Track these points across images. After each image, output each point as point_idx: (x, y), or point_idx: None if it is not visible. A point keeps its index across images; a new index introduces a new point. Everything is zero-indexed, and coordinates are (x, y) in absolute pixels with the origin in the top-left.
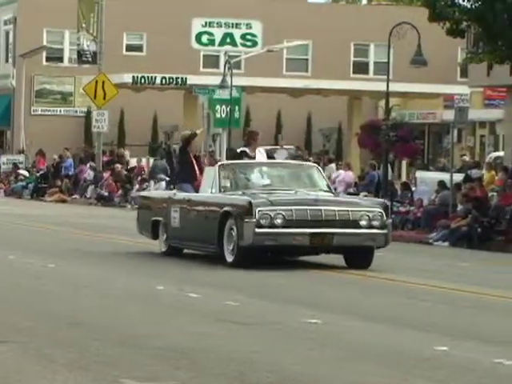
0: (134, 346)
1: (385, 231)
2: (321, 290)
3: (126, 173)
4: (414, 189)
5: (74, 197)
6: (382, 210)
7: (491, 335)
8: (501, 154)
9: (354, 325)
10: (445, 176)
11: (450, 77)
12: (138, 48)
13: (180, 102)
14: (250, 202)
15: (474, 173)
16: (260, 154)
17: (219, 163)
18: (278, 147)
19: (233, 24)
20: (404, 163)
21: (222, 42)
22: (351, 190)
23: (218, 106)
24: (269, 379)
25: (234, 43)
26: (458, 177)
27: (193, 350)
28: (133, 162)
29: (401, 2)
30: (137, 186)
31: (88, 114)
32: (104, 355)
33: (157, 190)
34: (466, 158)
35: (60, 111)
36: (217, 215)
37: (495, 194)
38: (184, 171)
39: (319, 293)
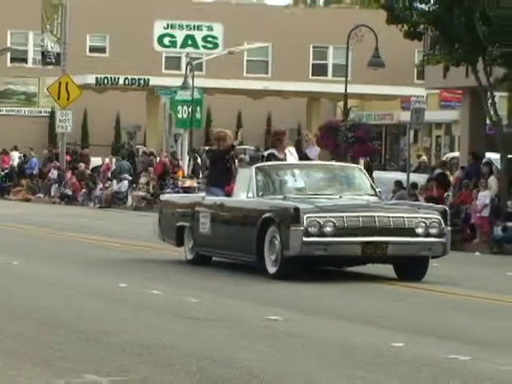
0: (97, 341)
1: (443, 240)
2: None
3: (89, 172)
4: None
5: (38, 195)
6: (439, 217)
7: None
8: (456, 154)
9: (323, 323)
10: (402, 175)
11: (406, 79)
12: (101, 49)
13: (142, 102)
14: (297, 208)
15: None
16: (290, 155)
17: (255, 165)
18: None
19: (194, 26)
20: (362, 163)
21: (184, 44)
22: None
23: (179, 107)
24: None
25: (195, 45)
26: (415, 177)
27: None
28: (96, 162)
29: (359, 5)
30: (100, 185)
31: (52, 114)
32: (67, 351)
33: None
34: (425, 159)
35: (24, 111)
36: (256, 222)
37: (450, 193)
38: (214, 173)
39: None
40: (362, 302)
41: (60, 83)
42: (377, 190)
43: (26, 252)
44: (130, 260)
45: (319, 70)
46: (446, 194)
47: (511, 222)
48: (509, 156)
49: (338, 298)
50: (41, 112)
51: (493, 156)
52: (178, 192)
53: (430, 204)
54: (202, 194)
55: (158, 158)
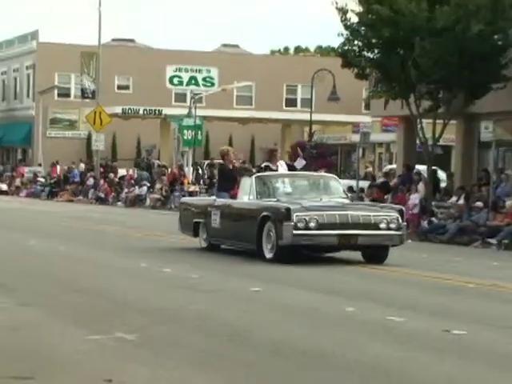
0: (124, 307)
1: (400, 232)
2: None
3: (117, 180)
4: None
5: (78, 197)
6: (398, 215)
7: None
8: (394, 166)
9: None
10: (353, 182)
11: (356, 109)
12: (126, 87)
13: (157, 127)
14: (289, 208)
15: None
16: (281, 166)
17: (255, 175)
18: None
19: (196, 70)
20: (322, 173)
21: (189, 83)
22: None
23: (185, 131)
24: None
25: (197, 84)
26: (362, 183)
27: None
28: (122, 172)
29: (320, 53)
30: (126, 190)
31: (89, 136)
32: (102, 314)
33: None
34: (370, 170)
35: (68, 134)
36: (256, 218)
37: (389, 195)
38: (222, 182)
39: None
40: (333, 278)
41: (95, 113)
42: (348, 194)
43: (70, 239)
44: (149, 246)
45: (290, 103)
46: (386, 197)
47: (434, 217)
48: (432, 167)
49: (316, 276)
50: (80, 135)
51: (421, 167)
52: (184, 195)
53: (391, 205)
54: (213, 197)
55: (169, 169)
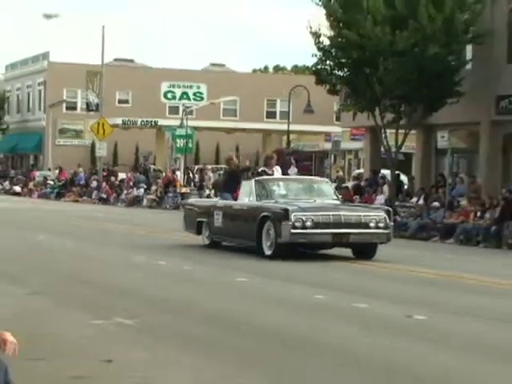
0: (122, 295)
1: (387, 231)
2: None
3: (117, 183)
4: None
5: (83, 198)
6: (385, 215)
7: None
8: (362, 170)
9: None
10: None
11: (328, 120)
12: (126, 101)
13: (153, 136)
14: (287, 209)
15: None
16: (276, 171)
17: (255, 179)
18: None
19: (188, 86)
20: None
21: (181, 98)
22: None
23: (178, 139)
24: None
25: (188, 98)
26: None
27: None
28: (122, 176)
29: (296, 71)
30: (125, 191)
31: (93, 144)
32: (104, 302)
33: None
34: (341, 174)
35: (74, 142)
36: (256, 218)
37: (357, 196)
38: (226, 184)
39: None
40: (320, 272)
41: (98, 123)
42: (339, 196)
43: (75, 235)
44: (152, 243)
45: (271, 115)
46: (355, 197)
47: (398, 216)
48: (396, 172)
49: (308, 271)
50: (85, 143)
51: (385, 172)
52: (176, 196)
53: (379, 206)
54: (216, 198)
55: (163, 173)
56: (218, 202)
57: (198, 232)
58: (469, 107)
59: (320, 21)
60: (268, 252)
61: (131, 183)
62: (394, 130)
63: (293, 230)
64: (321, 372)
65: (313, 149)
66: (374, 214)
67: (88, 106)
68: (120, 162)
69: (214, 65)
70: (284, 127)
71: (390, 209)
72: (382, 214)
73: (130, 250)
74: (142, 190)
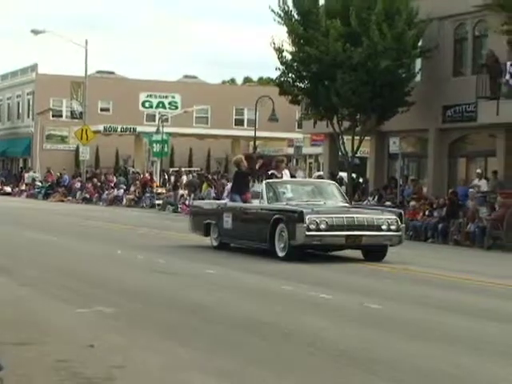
0: (103, 287)
1: (399, 233)
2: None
3: (99, 184)
4: None
5: (68, 198)
6: (397, 217)
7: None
8: (321, 173)
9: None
10: None
11: (291, 127)
12: (107, 110)
13: (132, 142)
14: (302, 211)
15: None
16: (285, 175)
17: (265, 181)
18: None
19: (163, 96)
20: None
21: (157, 106)
22: None
23: (154, 144)
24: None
25: (164, 107)
26: None
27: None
28: (103, 178)
29: (262, 83)
30: (106, 192)
31: (77, 149)
32: (87, 293)
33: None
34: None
35: (60, 147)
36: (269, 220)
37: None
38: (235, 185)
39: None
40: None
41: (82, 130)
42: (347, 198)
43: (61, 232)
44: (122, 235)
45: (239, 122)
46: None
47: None
48: (352, 174)
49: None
50: (70, 147)
51: (343, 174)
52: (153, 196)
53: (390, 208)
54: (225, 200)
55: (141, 175)
56: (227, 203)
57: (206, 234)
58: (418, 116)
59: (282, 37)
60: (281, 254)
61: (112, 184)
62: (350, 137)
63: (307, 233)
64: (287, 354)
65: (277, 153)
66: (386, 217)
67: (72, 114)
68: (102, 165)
69: (187, 76)
70: (251, 134)
71: (402, 211)
72: (394, 217)
73: (111, 245)
74: (121, 191)
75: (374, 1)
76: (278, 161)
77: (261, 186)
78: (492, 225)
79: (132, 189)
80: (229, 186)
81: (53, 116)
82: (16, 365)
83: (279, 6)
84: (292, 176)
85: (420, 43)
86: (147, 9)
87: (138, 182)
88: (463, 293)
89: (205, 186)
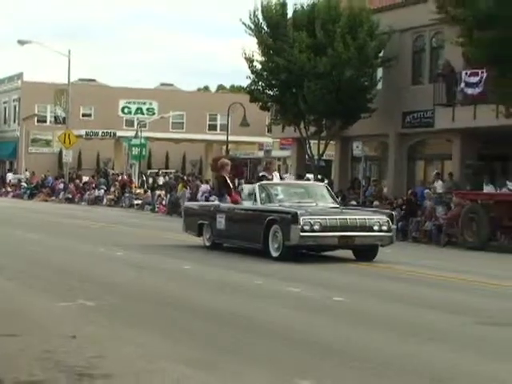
0: (84, 281)
1: (390, 234)
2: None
3: (81, 185)
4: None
5: (52, 198)
6: (388, 218)
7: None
8: (289, 175)
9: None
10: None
11: (261, 132)
12: (89, 115)
13: (112, 145)
14: (296, 213)
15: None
16: (275, 177)
17: (258, 183)
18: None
19: (142, 102)
20: (236, 180)
21: (136, 112)
22: (207, 195)
23: (133, 148)
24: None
25: (142, 113)
26: None
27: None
28: (85, 179)
29: (234, 90)
30: (88, 192)
31: (60, 152)
32: (69, 287)
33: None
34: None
35: (44, 150)
36: (263, 221)
37: None
38: (221, 189)
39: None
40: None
41: (65, 134)
42: (337, 200)
43: (47, 230)
44: (102, 233)
45: (212, 127)
46: None
47: None
48: (318, 176)
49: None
50: (54, 151)
51: (309, 176)
52: (132, 196)
53: (382, 210)
54: (217, 202)
55: (120, 177)
56: (221, 205)
57: (199, 234)
58: (379, 121)
59: (253, 48)
60: (275, 254)
61: (93, 185)
62: (316, 141)
63: (302, 233)
64: (261, 345)
65: (248, 156)
66: (378, 218)
67: (56, 119)
68: (84, 167)
69: (163, 84)
70: (224, 138)
71: (393, 213)
72: (385, 218)
73: (92, 242)
74: (102, 191)
75: (338, 14)
76: (268, 163)
77: (249, 188)
78: (448, 223)
79: (112, 189)
80: (203, 186)
81: (38, 121)
82: (2, 355)
83: (250, 18)
84: (281, 178)
85: (381, 54)
86: (127, 21)
87: (117, 183)
88: (422, 286)
89: (180, 186)
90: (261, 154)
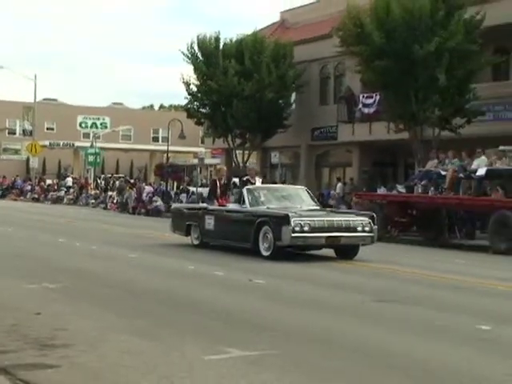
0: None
1: (372, 234)
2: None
3: (46, 186)
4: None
5: (20, 198)
6: (370, 220)
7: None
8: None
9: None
10: (200, 189)
11: (196, 143)
12: (52, 129)
13: (71, 154)
14: (287, 214)
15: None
16: (258, 181)
17: (246, 187)
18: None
19: (95, 118)
20: (175, 184)
21: (91, 126)
22: (151, 195)
23: (89, 156)
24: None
25: (96, 127)
26: (201, 189)
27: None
28: (49, 182)
29: (174, 108)
30: (51, 193)
31: (28, 159)
32: (36, 273)
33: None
34: (205, 181)
35: (14, 158)
36: (253, 222)
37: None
38: (213, 192)
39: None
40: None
41: (32, 144)
42: (317, 202)
43: (16, 224)
44: (68, 227)
45: (155, 139)
46: None
47: None
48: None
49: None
50: (22, 158)
51: (235, 179)
52: (88, 197)
53: (364, 212)
54: (205, 204)
55: (79, 180)
56: (209, 207)
57: (187, 234)
58: (293, 135)
59: (190, 74)
60: (265, 253)
61: (55, 187)
62: (241, 151)
63: (293, 234)
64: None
65: (185, 163)
66: (361, 219)
67: (24, 132)
68: (47, 172)
69: (114, 103)
70: (165, 148)
71: (374, 214)
72: (367, 219)
73: (54, 234)
74: (62, 192)
75: (263, 47)
76: (251, 169)
77: (240, 192)
78: None
79: (71, 191)
80: (147, 188)
81: (8, 133)
82: None
83: (187, 49)
84: (262, 182)
85: (296, 80)
86: (86, 51)
87: (75, 185)
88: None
89: (127, 188)
90: (195, 161)
